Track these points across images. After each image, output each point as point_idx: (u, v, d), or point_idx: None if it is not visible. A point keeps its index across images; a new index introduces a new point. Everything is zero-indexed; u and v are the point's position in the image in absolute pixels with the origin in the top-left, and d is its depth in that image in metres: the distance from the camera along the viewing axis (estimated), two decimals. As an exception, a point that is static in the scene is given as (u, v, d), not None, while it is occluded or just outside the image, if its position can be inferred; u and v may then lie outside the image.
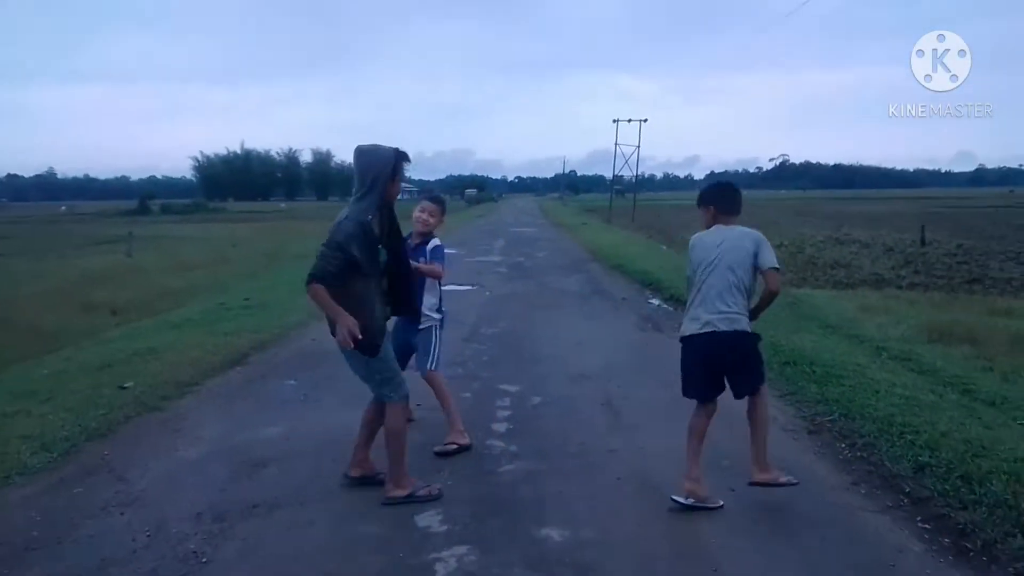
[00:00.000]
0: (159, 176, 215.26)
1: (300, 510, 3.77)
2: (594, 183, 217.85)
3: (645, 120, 47.46)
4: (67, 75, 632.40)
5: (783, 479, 3.77)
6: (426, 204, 4.70)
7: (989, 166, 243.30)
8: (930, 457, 4.13)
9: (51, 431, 4.86)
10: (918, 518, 3.58)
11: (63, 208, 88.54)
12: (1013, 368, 7.30)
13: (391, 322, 4.07)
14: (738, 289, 3.76)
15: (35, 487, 4.09)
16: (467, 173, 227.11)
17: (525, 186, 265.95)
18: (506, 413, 5.33)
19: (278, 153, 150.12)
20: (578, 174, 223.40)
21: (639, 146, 48.91)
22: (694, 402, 3.93)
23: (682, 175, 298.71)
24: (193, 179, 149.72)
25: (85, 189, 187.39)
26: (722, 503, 3.74)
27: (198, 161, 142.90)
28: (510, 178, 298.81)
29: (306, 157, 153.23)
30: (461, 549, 3.33)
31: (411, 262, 4.23)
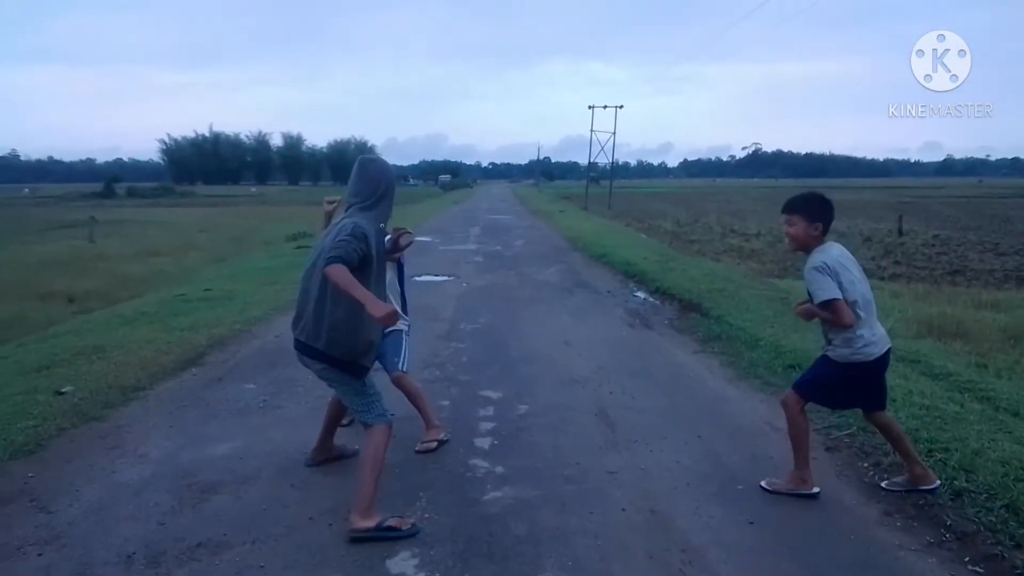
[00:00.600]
0: (126, 159, 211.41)
1: (251, 551, 3.20)
2: (568, 170, 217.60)
3: (621, 106, 46.57)
4: (30, 54, 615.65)
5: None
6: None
7: (957, 156, 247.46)
8: (967, 481, 3.68)
9: (-33, 448, 4.23)
10: (966, 558, 3.11)
11: (26, 191, 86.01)
12: (1007, 365, 6.99)
13: None
14: None
15: (-61, 521, 3.48)
16: (440, 159, 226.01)
17: (499, 172, 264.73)
18: (489, 425, 4.78)
19: (247, 136, 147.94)
20: (552, 161, 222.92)
21: (615, 132, 48.31)
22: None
23: (656, 162, 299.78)
24: (161, 162, 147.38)
25: (49, 172, 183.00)
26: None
27: (166, 144, 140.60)
28: (484, 164, 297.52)
29: (276, 141, 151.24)
30: (442, 604, 2.80)
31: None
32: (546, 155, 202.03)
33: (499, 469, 4.06)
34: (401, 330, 4.35)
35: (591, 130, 48.20)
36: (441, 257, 14.52)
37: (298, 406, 5.18)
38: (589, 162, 54.48)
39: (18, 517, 3.52)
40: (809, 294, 3.62)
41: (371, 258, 3.29)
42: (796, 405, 3.72)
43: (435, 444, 4.30)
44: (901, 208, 33.22)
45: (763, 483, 3.80)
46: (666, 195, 64.46)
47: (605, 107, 47.14)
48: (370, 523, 3.29)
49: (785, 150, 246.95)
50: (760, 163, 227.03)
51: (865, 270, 3.82)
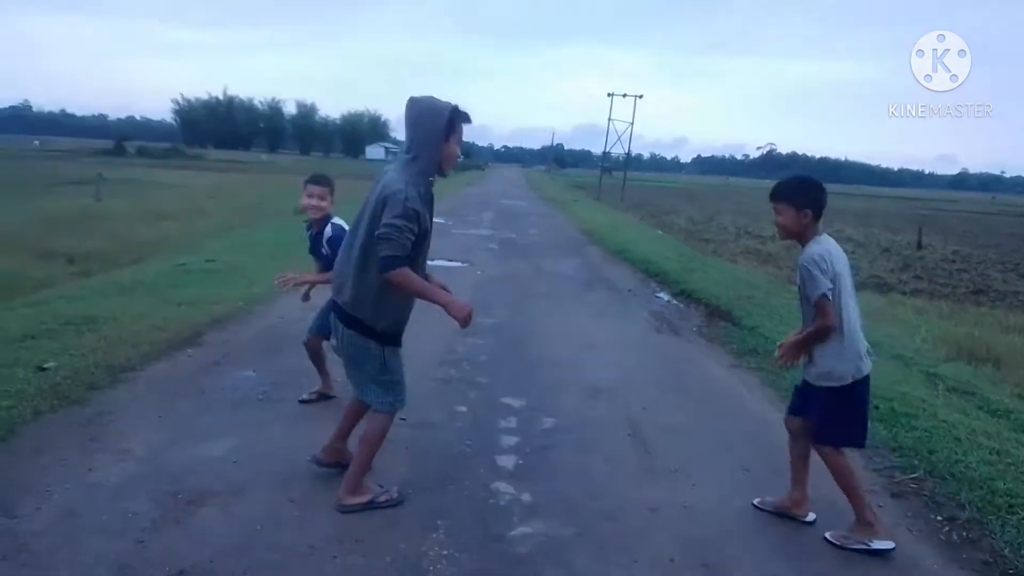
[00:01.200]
0: (138, 117, 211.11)
1: (241, 585, 2.74)
2: (580, 158, 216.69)
3: (641, 96, 45.24)
4: (46, 2, 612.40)
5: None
6: (312, 188, 4.33)
7: (972, 171, 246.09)
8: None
9: (-71, 432, 3.78)
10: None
11: (36, 143, 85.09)
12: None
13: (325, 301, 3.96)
14: None
15: None
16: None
17: (512, 156, 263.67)
18: (512, 440, 4.30)
19: (261, 103, 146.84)
20: (565, 148, 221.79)
21: (633, 123, 46.94)
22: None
23: (669, 156, 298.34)
24: (173, 122, 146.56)
25: (61, 125, 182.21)
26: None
27: (179, 104, 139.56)
28: (497, 146, 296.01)
29: (290, 109, 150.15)
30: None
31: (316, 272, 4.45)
32: (559, 141, 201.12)
33: (526, 497, 3.57)
34: None
35: (608, 119, 47.34)
36: (454, 241, 14.00)
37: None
38: (604, 151, 53.42)
39: (-24, 521, 3.06)
40: (800, 291, 3.22)
41: (423, 235, 3.06)
42: (832, 454, 3.30)
43: (316, 396, 4.70)
44: (918, 220, 32.56)
45: (828, 535, 3.32)
46: (679, 191, 63.56)
47: (624, 95, 45.92)
48: (360, 499, 3.30)
49: (800, 152, 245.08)
50: (774, 164, 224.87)
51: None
